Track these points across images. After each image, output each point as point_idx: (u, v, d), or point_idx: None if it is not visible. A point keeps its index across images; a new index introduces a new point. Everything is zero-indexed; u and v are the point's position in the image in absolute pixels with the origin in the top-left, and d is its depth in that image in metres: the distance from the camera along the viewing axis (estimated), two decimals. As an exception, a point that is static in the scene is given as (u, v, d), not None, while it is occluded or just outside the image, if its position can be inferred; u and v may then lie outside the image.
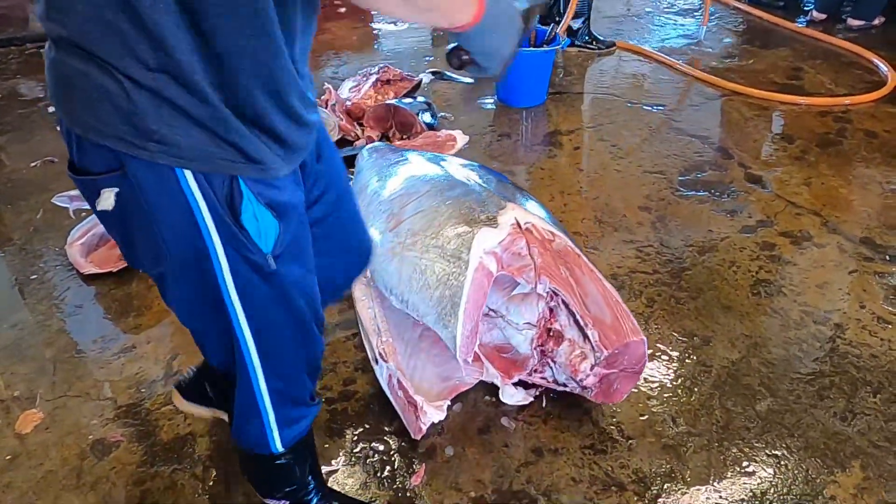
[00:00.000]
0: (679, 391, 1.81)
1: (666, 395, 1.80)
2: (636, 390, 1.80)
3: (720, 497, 1.55)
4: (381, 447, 1.67)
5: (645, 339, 1.59)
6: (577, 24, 3.80)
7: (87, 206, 2.38)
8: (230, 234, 0.96)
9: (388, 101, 3.03)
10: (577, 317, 1.61)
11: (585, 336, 1.61)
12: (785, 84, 3.50)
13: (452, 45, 1.07)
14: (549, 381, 1.71)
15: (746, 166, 2.82)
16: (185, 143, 0.87)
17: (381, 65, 3.39)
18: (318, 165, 1.16)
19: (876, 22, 4.14)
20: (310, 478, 1.38)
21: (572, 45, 3.85)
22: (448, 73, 3.61)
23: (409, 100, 3.13)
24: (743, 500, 1.55)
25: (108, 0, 0.78)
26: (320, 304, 1.19)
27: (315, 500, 1.40)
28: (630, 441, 1.68)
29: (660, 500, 1.55)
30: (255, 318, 1.07)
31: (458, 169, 1.96)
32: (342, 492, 1.54)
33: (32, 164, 2.91)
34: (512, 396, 1.74)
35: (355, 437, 1.70)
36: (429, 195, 1.80)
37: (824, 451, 1.65)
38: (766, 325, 2.02)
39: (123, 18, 0.79)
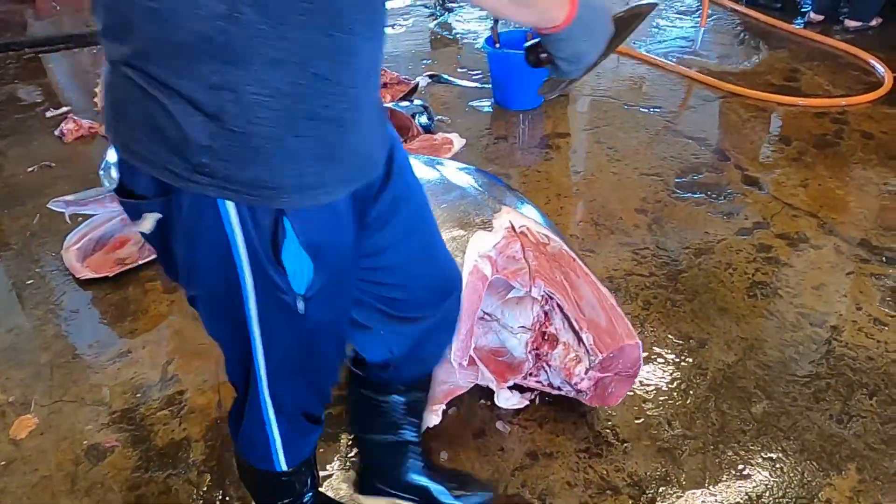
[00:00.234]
0: (675, 394, 1.81)
1: (661, 398, 1.80)
2: (631, 393, 1.80)
3: (715, 500, 1.55)
4: (376, 451, 1.67)
5: (640, 342, 1.59)
6: None
7: (84, 212, 2.42)
8: (264, 273, 0.91)
9: (384, 105, 3.03)
10: (572, 320, 1.61)
11: (580, 339, 1.61)
12: (782, 85, 3.50)
13: (532, 42, 1.02)
14: (543, 385, 1.71)
15: (743, 168, 2.82)
16: (236, 176, 0.81)
17: (378, 68, 3.38)
18: (388, 184, 1.04)
19: (873, 23, 4.14)
20: (308, 488, 1.37)
21: None
22: (445, 77, 3.61)
23: (405, 103, 3.13)
24: (738, 503, 1.54)
25: (211, 14, 0.73)
26: (344, 345, 1.16)
27: None
28: (625, 444, 1.68)
29: (655, 503, 1.55)
30: (275, 355, 1.04)
31: (454, 173, 1.96)
32: (336, 498, 1.54)
33: (30, 169, 2.91)
34: (507, 400, 1.74)
35: (350, 442, 1.69)
36: (424, 199, 1.80)
37: (820, 453, 1.65)
38: (762, 327, 2.02)
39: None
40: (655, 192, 2.67)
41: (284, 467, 1.24)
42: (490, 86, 3.45)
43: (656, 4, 1.17)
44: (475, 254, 1.57)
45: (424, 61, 3.90)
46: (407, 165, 1.11)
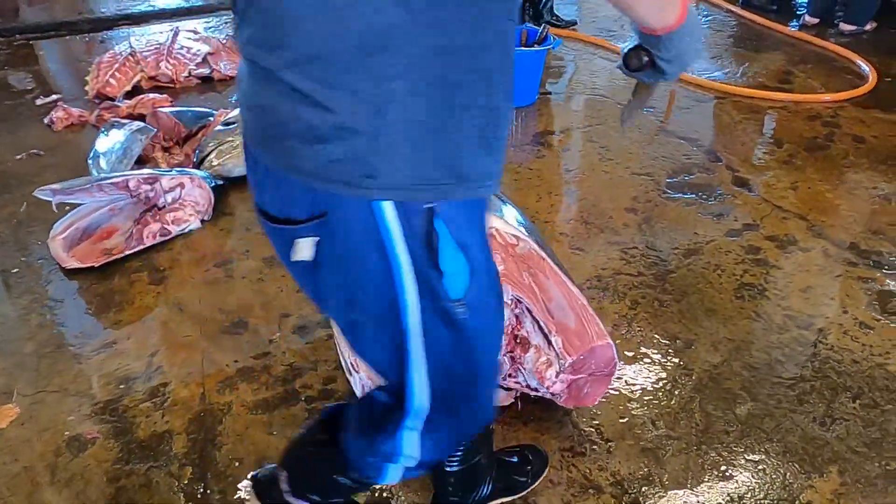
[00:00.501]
0: (660, 394, 1.81)
1: (647, 398, 1.80)
2: (616, 392, 1.80)
3: (697, 501, 1.55)
4: (360, 447, 1.66)
5: (612, 342, 1.58)
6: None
7: (71, 201, 2.40)
8: (425, 280, 0.86)
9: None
10: (541, 323, 1.60)
11: (550, 343, 1.60)
12: (776, 87, 3.50)
13: (632, 46, 0.99)
14: (522, 386, 1.70)
15: (734, 169, 2.82)
16: (402, 172, 0.78)
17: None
18: None
19: (868, 27, 4.15)
20: None
21: (539, 22, 3.81)
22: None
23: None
24: (720, 503, 1.55)
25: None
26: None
27: None
28: (609, 444, 1.68)
29: (637, 503, 1.55)
30: (438, 370, 0.97)
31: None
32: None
33: (18, 157, 2.89)
34: (492, 397, 1.73)
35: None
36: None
37: (803, 455, 1.65)
38: (748, 328, 2.02)
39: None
40: (646, 192, 2.66)
41: (381, 484, 1.19)
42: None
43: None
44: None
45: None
46: None
